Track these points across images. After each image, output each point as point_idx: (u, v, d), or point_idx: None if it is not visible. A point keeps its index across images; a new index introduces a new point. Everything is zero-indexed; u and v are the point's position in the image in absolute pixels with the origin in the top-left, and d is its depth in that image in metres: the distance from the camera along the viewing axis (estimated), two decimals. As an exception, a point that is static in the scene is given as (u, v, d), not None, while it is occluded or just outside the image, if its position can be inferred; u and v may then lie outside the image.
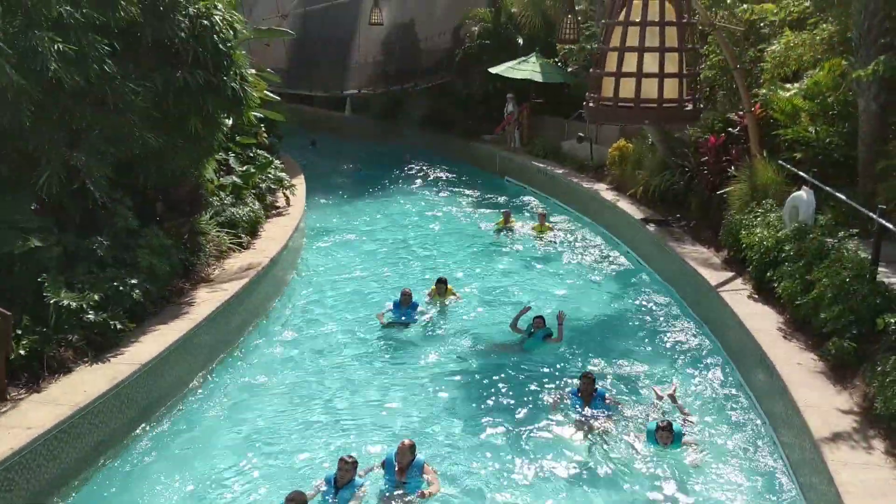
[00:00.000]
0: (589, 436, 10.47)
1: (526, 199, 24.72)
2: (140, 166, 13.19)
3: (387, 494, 9.10)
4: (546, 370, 12.60)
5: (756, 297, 13.12)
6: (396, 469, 9.17)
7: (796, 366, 10.60)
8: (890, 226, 10.89)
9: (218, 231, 14.84)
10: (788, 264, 12.30)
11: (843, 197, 12.54)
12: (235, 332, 13.35)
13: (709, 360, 12.93)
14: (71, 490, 9.05)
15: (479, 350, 13.50)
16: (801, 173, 13.87)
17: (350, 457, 8.96)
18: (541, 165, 25.88)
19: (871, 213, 11.30)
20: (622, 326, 14.63)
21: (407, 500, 8.99)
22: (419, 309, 14.69)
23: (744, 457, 10.10)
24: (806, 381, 10.18)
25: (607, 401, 11.01)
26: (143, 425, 10.45)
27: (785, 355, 10.93)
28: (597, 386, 11.16)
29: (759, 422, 10.91)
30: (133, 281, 11.56)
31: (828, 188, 12.98)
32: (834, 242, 11.87)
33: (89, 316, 10.58)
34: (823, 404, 9.59)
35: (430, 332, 14.22)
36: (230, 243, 15.00)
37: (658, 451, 9.92)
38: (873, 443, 8.72)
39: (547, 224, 20.51)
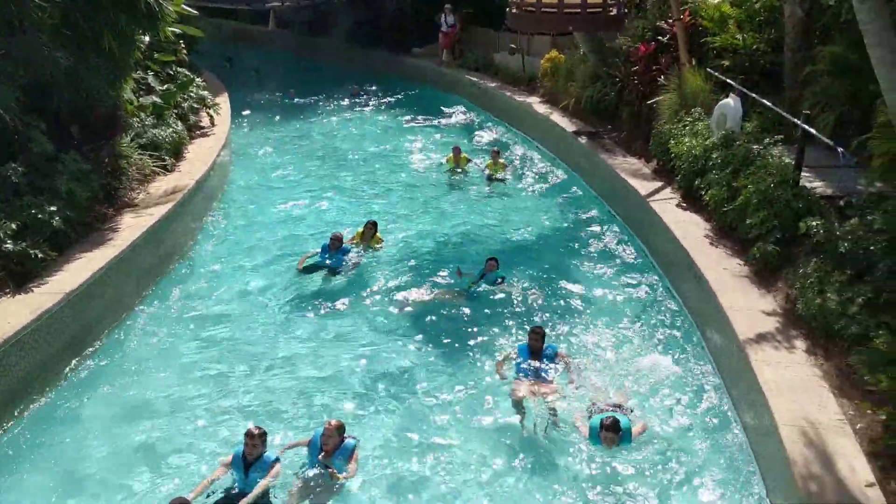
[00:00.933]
0: (534, 404, 9.43)
1: (459, 114, 24.28)
2: (53, 89, 12.53)
3: (304, 476, 8.08)
4: (495, 318, 11.66)
5: (684, 205, 13.34)
6: (322, 453, 8.15)
7: (722, 271, 10.87)
8: (813, 131, 11.10)
9: (140, 154, 14.31)
10: (715, 172, 12.49)
11: (768, 103, 12.69)
12: (164, 258, 13.02)
13: (639, 270, 13.20)
14: (2, 424, 8.83)
15: (418, 299, 12.24)
16: (729, 81, 13.98)
17: (258, 428, 7.93)
18: (474, 79, 25.55)
19: (795, 120, 11.47)
20: (558, 245, 14.52)
21: (324, 486, 7.97)
22: (349, 255, 13.42)
23: (673, 361, 10.39)
24: (732, 286, 10.47)
25: (557, 357, 10.08)
26: (73, 357, 10.19)
27: (712, 261, 11.19)
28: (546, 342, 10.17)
29: (687, 326, 11.24)
30: (52, 208, 11.13)
31: (754, 95, 13.12)
32: (759, 149, 12.06)
33: (7, 245, 10.16)
34: (748, 307, 9.89)
35: (361, 280, 13.02)
36: (153, 166, 14.50)
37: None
38: (795, 342, 9.06)
39: (501, 161, 18.69)
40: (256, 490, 7.61)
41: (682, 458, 8.47)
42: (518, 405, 9.40)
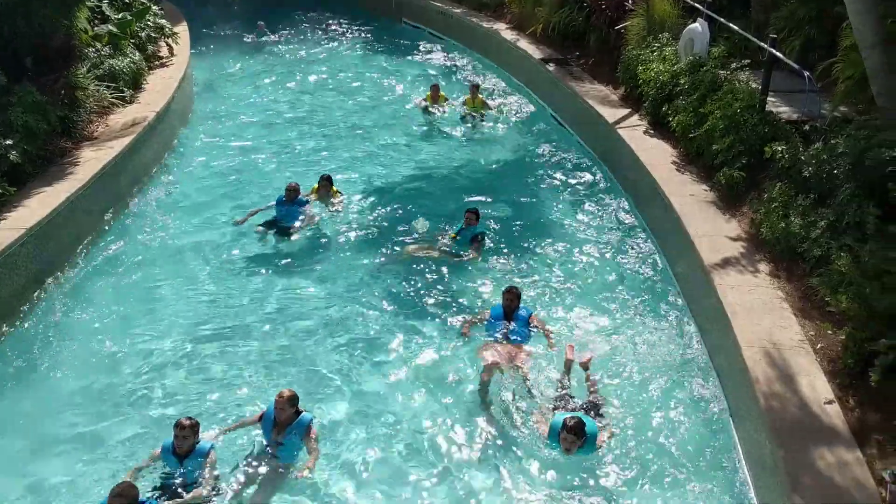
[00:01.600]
0: (505, 372, 8.74)
1: (427, 44, 23.76)
2: (4, 18, 12.09)
3: (258, 455, 7.48)
4: (470, 278, 10.89)
5: (652, 132, 13.32)
6: (274, 426, 7.51)
7: (689, 197, 10.93)
8: (780, 55, 11.06)
9: (97, 85, 13.92)
10: (683, 98, 12.46)
11: (736, 28, 12.61)
12: (125, 191, 12.76)
13: (607, 197, 13.22)
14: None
15: (384, 258, 11.38)
16: (697, 5, 13.83)
17: (189, 419, 7.16)
18: (439, 5, 25.00)
19: (761, 44, 11.42)
20: (526, 178, 14.30)
21: (278, 466, 7.39)
22: (306, 208, 12.28)
23: (639, 287, 10.55)
24: (697, 212, 10.54)
25: (531, 322, 9.39)
26: (35, 293, 10.06)
27: (678, 188, 11.24)
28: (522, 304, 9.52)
29: (653, 252, 11.34)
30: (8, 142, 10.87)
31: (721, 19, 13.02)
32: (726, 74, 12.03)
33: (-38, 181, 9.94)
34: (714, 232, 9.98)
35: (320, 236, 12.08)
36: (112, 98, 14.12)
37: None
38: (759, 266, 9.19)
39: (479, 97, 17.42)
40: (203, 490, 6.98)
41: (645, 383, 8.63)
42: (485, 384, 8.62)
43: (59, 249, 10.67)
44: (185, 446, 7.07)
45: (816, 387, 7.19)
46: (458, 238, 11.56)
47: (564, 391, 8.36)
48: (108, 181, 12.03)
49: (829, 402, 6.99)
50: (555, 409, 8.09)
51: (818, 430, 6.72)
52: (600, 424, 7.80)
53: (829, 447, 6.53)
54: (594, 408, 8.07)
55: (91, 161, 11.98)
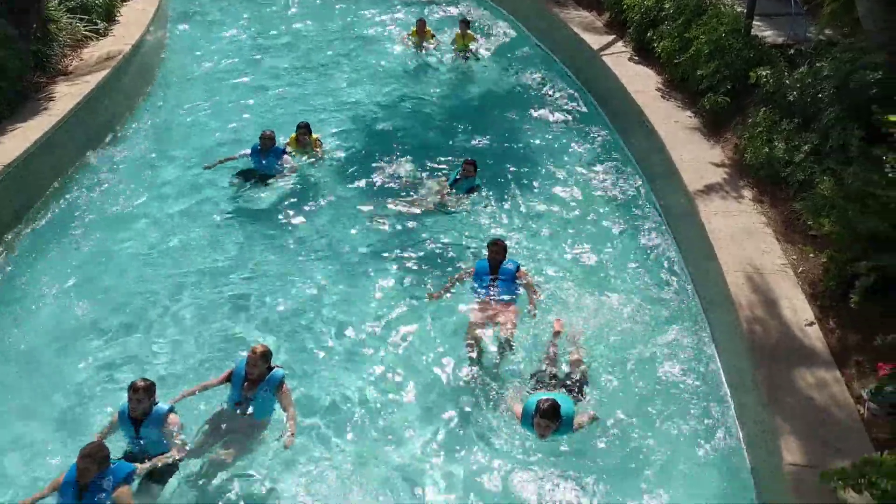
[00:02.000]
0: (488, 337, 8.35)
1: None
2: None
3: (226, 414, 7.14)
4: (461, 232, 10.37)
5: (636, 58, 13.18)
6: (245, 382, 7.17)
7: (673, 124, 10.89)
8: (766, -23, 10.91)
9: (69, 17, 13.55)
10: (668, 23, 12.30)
11: (722, -50, 12.38)
12: (103, 127, 12.51)
13: (591, 126, 13.11)
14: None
15: (369, 209, 10.77)
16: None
17: (144, 380, 6.72)
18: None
19: (748, -35, 11.25)
20: (511, 108, 14.01)
21: (248, 424, 7.09)
22: (285, 158, 11.47)
23: (623, 216, 10.55)
24: (682, 138, 10.51)
25: (518, 274, 8.86)
26: (15, 230, 9.97)
27: (663, 115, 11.18)
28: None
29: (638, 181, 11.32)
30: (-21, 78, 10.62)
31: (707, -59, 12.76)
32: (712, -2, 11.89)
33: (-65, 118, 9.74)
34: (698, 159, 9.97)
35: (300, 188, 11.29)
36: (85, 31, 13.76)
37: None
38: (743, 192, 9.22)
39: (469, 33, 16.44)
40: (168, 454, 6.69)
41: (628, 312, 8.61)
42: (473, 343, 8.21)
43: (40, 185, 10.53)
44: (139, 409, 6.65)
45: (798, 309, 7.29)
46: (453, 191, 10.99)
47: (546, 366, 7.75)
48: (85, 116, 11.79)
49: (810, 324, 7.10)
50: (533, 388, 7.50)
51: (799, 351, 6.84)
52: (580, 405, 7.26)
53: (809, 368, 6.65)
54: (577, 386, 7.48)
55: (66, 96, 11.74)
